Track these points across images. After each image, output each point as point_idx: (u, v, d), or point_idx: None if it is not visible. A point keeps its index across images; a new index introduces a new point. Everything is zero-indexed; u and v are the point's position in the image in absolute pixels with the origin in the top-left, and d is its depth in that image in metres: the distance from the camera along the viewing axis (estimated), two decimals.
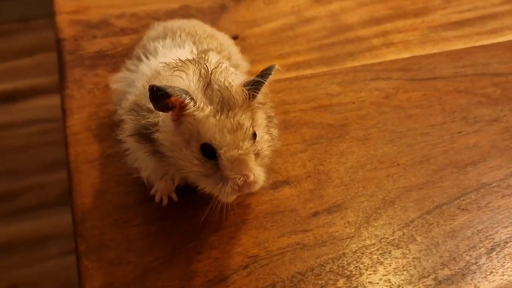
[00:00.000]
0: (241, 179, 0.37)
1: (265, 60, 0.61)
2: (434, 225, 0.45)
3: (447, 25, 0.68)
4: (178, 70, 0.39)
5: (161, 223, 0.44)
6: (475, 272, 0.42)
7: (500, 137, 0.53)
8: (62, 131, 0.53)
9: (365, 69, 0.61)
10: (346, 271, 0.42)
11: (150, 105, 0.38)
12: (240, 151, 0.36)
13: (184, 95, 0.36)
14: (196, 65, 0.39)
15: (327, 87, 0.58)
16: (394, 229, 0.45)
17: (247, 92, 0.38)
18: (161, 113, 0.38)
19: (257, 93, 0.38)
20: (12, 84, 1.43)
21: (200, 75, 0.38)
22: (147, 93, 0.36)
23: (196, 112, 0.36)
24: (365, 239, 0.44)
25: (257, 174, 0.38)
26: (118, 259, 0.42)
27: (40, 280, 1.05)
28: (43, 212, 1.15)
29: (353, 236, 0.44)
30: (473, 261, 0.43)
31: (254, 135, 0.38)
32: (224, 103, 0.37)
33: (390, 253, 0.43)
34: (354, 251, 0.43)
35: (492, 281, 0.41)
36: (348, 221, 0.45)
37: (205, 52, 0.46)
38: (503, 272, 0.42)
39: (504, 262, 0.43)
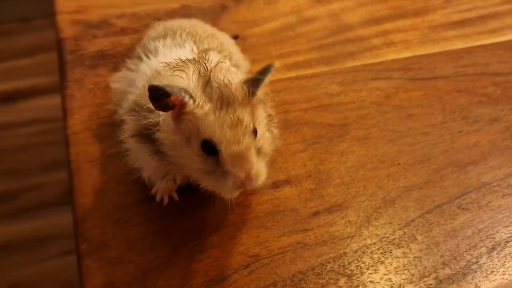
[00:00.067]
0: (243, 173, 0.36)
1: (265, 60, 0.61)
2: (434, 225, 0.45)
3: (448, 25, 0.68)
4: (178, 70, 0.39)
5: (162, 223, 0.44)
6: (476, 272, 0.42)
7: (501, 137, 0.53)
8: (62, 131, 0.53)
9: (366, 69, 0.61)
10: (347, 270, 0.42)
11: (151, 105, 0.38)
12: (240, 146, 0.36)
13: (183, 93, 0.36)
14: (196, 65, 0.40)
15: (328, 87, 0.58)
16: (394, 229, 0.45)
17: (246, 89, 0.38)
18: (161, 112, 0.38)
19: (257, 90, 0.38)
20: (12, 84, 1.43)
21: (199, 74, 0.38)
22: (147, 93, 0.36)
23: (196, 110, 0.37)
24: (365, 239, 0.44)
25: (259, 169, 0.37)
26: (119, 259, 0.42)
27: (40, 280, 1.05)
28: (43, 212, 1.15)
29: (353, 236, 0.44)
30: (474, 260, 0.43)
31: (255, 132, 0.38)
32: (223, 100, 0.37)
33: (391, 252, 0.43)
34: (355, 250, 0.43)
35: (493, 280, 0.41)
36: (349, 221, 0.45)
37: (206, 51, 0.46)
38: (503, 271, 0.42)
39: (505, 261, 0.43)
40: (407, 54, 0.63)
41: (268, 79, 0.39)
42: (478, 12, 0.70)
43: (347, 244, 0.43)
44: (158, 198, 0.46)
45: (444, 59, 0.63)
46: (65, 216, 1.08)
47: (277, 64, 0.39)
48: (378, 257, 0.43)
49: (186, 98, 0.36)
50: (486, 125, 0.54)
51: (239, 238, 0.43)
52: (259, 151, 0.38)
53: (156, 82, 0.37)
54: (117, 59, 0.60)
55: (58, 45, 0.63)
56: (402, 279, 0.41)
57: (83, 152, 0.50)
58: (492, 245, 0.44)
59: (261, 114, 0.40)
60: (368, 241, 0.44)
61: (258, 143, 0.38)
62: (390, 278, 0.41)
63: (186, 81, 0.38)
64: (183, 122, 0.37)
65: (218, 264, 0.42)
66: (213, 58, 0.43)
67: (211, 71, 0.38)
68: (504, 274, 0.42)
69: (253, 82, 0.38)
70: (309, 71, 0.60)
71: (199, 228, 0.44)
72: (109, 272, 0.41)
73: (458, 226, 0.45)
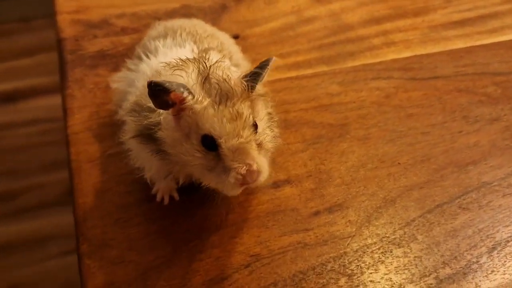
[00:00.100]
0: (244, 168, 0.36)
1: None
2: (435, 224, 0.45)
3: (448, 25, 0.68)
4: (178, 69, 0.39)
5: (162, 222, 0.45)
6: (476, 271, 0.42)
7: (501, 136, 0.53)
8: (63, 131, 0.53)
9: (366, 69, 0.61)
10: (347, 270, 0.42)
11: (151, 105, 0.38)
12: (240, 140, 0.36)
13: (182, 89, 0.36)
14: (196, 63, 0.40)
15: (328, 87, 0.58)
16: (395, 228, 0.45)
17: (245, 84, 0.38)
18: (162, 111, 0.38)
19: (256, 84, 0.38)
20: (12, 84, 1.43)
21: (199, 72, 0.38)
22: (147, 92, 0.36)
23: (195, 105, 0.37)
24: (366, 238, 0.44)
25: (261, 163, 0.37)
26: (120, 258, 0.42)
27: (40, 280, 1.05)
28: (43, 212, 1.15)
29: (354, 235, 0.44)
30: (474, 260, 0.43)
31: (255, 126, 0.38)
32: (222, 95, 0.37)
33: (391, 252, 0.43)
34: (355, 250, 0.43)
35: (493, 280, 0.41)
36: (349, 220, 0.45)
37: (206, 51, 0.46)
38: (504, 271, 0.42)
39: (505, 261, 0.43)
40: (407, 54, 0.63)
41: (266, 73, 0.39)
42: (479, 11, 0.70)
43: (348, 244, 0.43)
44: (158, 198, 0.46)
45: (444, 58, 0.63)
46: (65, 216, 1.08)
47: (276, 59, 0.39)
48: (379, 256, 0.43)
49: (185, 94, 0.36)
50: (486, 125, 0.54)
51: (239, 238, 0.43)
52: (260, 146, 0.38)
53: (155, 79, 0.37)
54: (117, 59, 0.60)
55: (59, 45, 0.63)
56: (403, 279, 0.41)
57: (83, 152, 0.50)
58: (493, 245, 0.44)
59: (262, 109, 0.40)
60: (369, 241, 0.44)
61: (258, 137, 0.38)
62: (391, 278, 0.41)
63: (186, 79, 0.38)
64: (182, 118, 0.37)
65: (218, 263, 0.42)
66: (213, 57, 0.43)
67: (210, 67, 0.38)
68: (504, 274, 0.42)
69: (252, 76, 0.38)
70: (309, 71, 0.61)
71: (200, 228, 0.44)
72: (109, 272, 0.41)
73: (458, 226, 0.45)
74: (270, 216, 0.45)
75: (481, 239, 0.44)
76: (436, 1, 0.72)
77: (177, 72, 0.39)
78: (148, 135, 0.39)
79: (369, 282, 0.41)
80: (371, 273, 0.42)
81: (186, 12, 0.68)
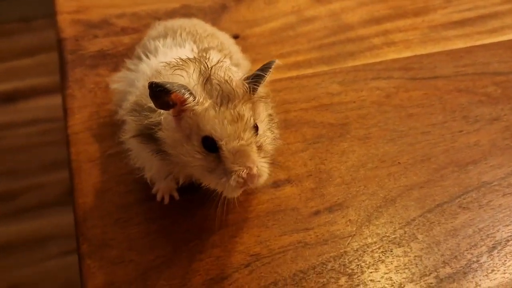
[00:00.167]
0: (244, 171, 0.36)
1: (266, 60, 0.58)
2: (435, 224, 0.45)
3: (448, 25, 0.68)
4: (178, 69, 0.39)
5: (162, 222, 0.45)
6: (476, 270, 0.42)
7: (501, 136, 0.53)
8: (63, 131, 0.53)
9: (366, 68, 0.61)
10: (347, 269, 0.42)
11: (152, 104, 0.38)
12: (241, 142, 0.36)
13: (183, 90, 0.36)
14: (197, 63, 0.40)
15: (328, 86, 0.58)
16: (395, 228, 0.45)
17: (247, 86, 0.38)
18: (162, 111, 0.38)
19: (258, 86, 0.38)
20: (12, 84, 1.43)
21: (200, 72, 0.38)
22: (148, 92, 0.36)
23: (196, 107, 0.36)
24: (366, 238, 0.44)
25: (261, 167, 0.37)
26: (120, 258, 0.42)
27: (40, 280, 1.05)
28: (43, 212, 1.15)
29: (354, 235, 0.44)
30: (474, 259, 0.43)
31: (256, 128, 0.38)
32: (223, 97, 0.37)
33: (391, 251, 0.43)
34: (355, 249, 0.43)
35: (494, 279, 0.41)
36: (350, 220, 0.45)
37: (206, 50, 0.46)
38: (504, 270, 0.42)
39: (505, 260, 0.43)
40: (407, 53, 0.63)
41: (269, 75, 0.39)
42: (478, 11, 0.70)
43: (348, 243, 0.43)
44: (158, 197, 0.46)
45: (444, 58, 0.63)
46: (65, 216, 1.08)
47: (279, 61, 0.39)
48: (379, 256, 0.43)
49: (186, 95, 0.36)
50: (486, 124, 0.54)
51: (239, 237, 0.43)
52: (260, 148, 0.38)
53: (156, 80, 0.37)
54: (117, 59, 0.60)
55: (59, 45, 0.63)
56: (403, 278, 0.41)
57: (83, 152, 0.50)
58: (493, 244, 0.44)
59: (262, 111, 0.40)
60: (369, 240, 0.44)
61: (259, 139, 0.38)
62: (391, 277, 0.41)
63: (187, 79, 0.38)
64: (183, 119, 0.37)
65: (218, 263, 0.42)
66: (214, 57, 0.43)
67: (211, 68, 0.38)
68: (504, 273, 0.42)
69: (254, 79, 0.38)
70: (309, 71, 0.61)
71: (200, 228, 0.44)
72: (109, 272, 0.41)
73: (458, 225, 0.45)
74: (270, 216, 0.45)
75: (481, 239, 0.44)
76: (436, 1, 0.73)
77: (178, 72, 0.39)
78: (148, 135, 0.39)
79: (369, 281, 0.41)
80: (371, 272, 0.42)
81: (186, 12, 0.68)
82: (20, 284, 1.04)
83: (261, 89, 0.39)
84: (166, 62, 0.41)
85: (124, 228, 0.44)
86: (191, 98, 0.36)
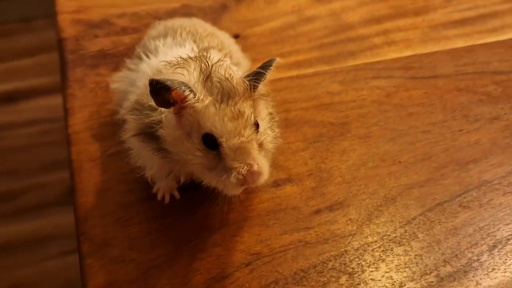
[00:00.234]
0: (245, 168, 0.36)
1: (266, 59, 0.59)
2: (435, 223, 0.45)
3: (448, 24, 0.68)
4: (179, 67, 0.39)
5: (163, 221, 0.45)
6: (477, 269, 0.42)
7: (501, 135, 0.53)
8: (63, 131, 0.53)
9: (366, 68, 0.61)
10: (348, 268, 0.42)
11: (152, 103, 0.38)
12: (242, 139, 0.36)
13: (183, 87, 0.36)
14: (197, 62, 0.40)
15: (328, 86, 0.58)
16: (396, 227, 0.45)
17: (248, 83, 0.38)
18: (163, 109, 0.38)
19: (258, 83, 0.38)
20: (12, 84, 1.43)
21: (200, 70, 0.38)
22: (149, 91, 0.36)
23: (196, 104, 0.37)
24: (367, 237, 0.44)
25: (261, 164, 0.37)
26: (121, 257, 0.42)
27: (40, 280, 1.05)
28: (44, 212, 1.15)
29: (355, 234, 0.44)
30: (475, 258, 0.43)
31: (257, 125, 0.38)
32: (224, 94, 0.37)
33: (392, 250, 0.43)
34: (356, 248, 0.43)
35: (494, 278, 0.41)
36: (350, 219, 0.45)
37: (207, 50, 0.46)
38: (505, 269, 0.42)
39: (506, 259, 0.43)
40: (407, 53, 0.63)
41: (269, 73, 0.39)
42: (479, 11, 0.70)
43: (348, 242, 0.44)
44: (159, 196, 0.46)
45: (444, 58, 0.63)
46: (66, 216, 1.08)
47: (279, 59, 0.39)
48: (379, 255, 0.43)
49: (187, 92, 0.36)
50: (486, 123, 0.54)
51: (240, 236, 0.43)
52: (261, 146, 0.38)
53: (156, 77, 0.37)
54: (118, 58, 0.60)
55: (59, 44, 0.63)
56: (403, 277, 0.41)
57: (84, 151, 0.50)
58: (493, 243, 0.44)
59: (263, 109, 0.40)
60: (369, 239, 0.44)
61: (259, 137, 0.38)
62: (391, 276, 0.41)
63: (187, 77, 0.38)
64: (183, 116, 0.37)
65: (219, 262, 0.42)
66: (214, 56, 0.43)
67: (212, 66, 0.38)
68: (505, 272, 0.42)
69: (255, 76, 0.38)
70: (310, 70, 0.61)
71: (201, 227, 0.44)
72: (111, 271, 0.41)
73: (459, 224, 0.45)
74: (271, 215, 0.45)
75: (482, 237, 0.44)
76: (436, 1, 0.73)
77: (179, 70, 0.39)
78: (149, 134, 0.39)
79: (370, 280, 0.41)
80: (372, 271, 0.42)
81: (186, 12, 0.68)
82: (20, 284, 1.04)
83: (262, 87, 0.39)
84: (166, 61, 0.41)
85: (125, 227, 0.44)
86: (191, 95, 0.36)
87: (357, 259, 0.42)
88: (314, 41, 0.65)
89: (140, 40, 0.56)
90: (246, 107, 0.37)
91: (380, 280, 0.41)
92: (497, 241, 0.44)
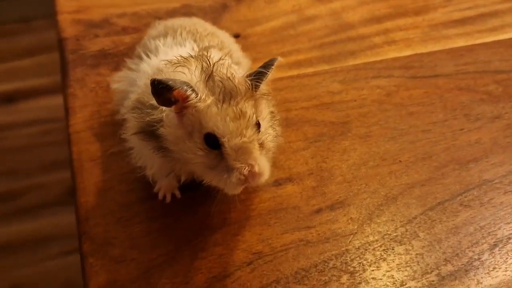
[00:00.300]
0: (246, 168, 0.36)
1: (266, 59, 0.58)
2: (436, 222, 0.45)
3: (448, 23, 0.68)
4: (180, 66, 0.39)
5: (164, 220, 0.45)
6: (478, 268, 0.42)
7: (502, 134, 0.53)
8: (63, 131, 0.53)
9: (367, 67, 0.61)
10: (349, 267, 0.42)
11: (153, 102, 0.38)
12: (243, 139, 0.36)
13: (185, 87, 0.36)
14: (199, 61, 0.40)
15: (329, 85, 0.59)
16: (397, 226, 0.45)
17: (249, 82, 0.38)
18: (164, 108, 0.38)
19: (260, 83, 0.38)
20: (13, 84, 1.43)
21: (202, 69, 0.38)
22: (150, 90, 0.36)
23: (198, 103, 0.37)
24: (368, 236, 0.44)
25: (263, 165, 0.37)
26: (122, 257, 0.42)
27: (40, 280, 1.05)
28: (44, 212, 1.15)
29: (356, 233, 0.44)
30: (476, 257, 0.43)
31: (258, 125, 0.38)
32: (226, 93, 0.37)
33: (393, 249, 0.43)
34: (357, 247, 0.43)
35: (495, 276, 0.41)
36: (351, 218, 0.45)
37: (207, 49, 0.46)
38: (506, 268, 0.42)
39: (507, 258, 0.43)
40: (408, 52, 0.63)
41: (271, 73, 0.39)
42: (479, 10, 0.70)
43: (350, 241, 0.44)
44: (160, 196, 0.46)
45: (445, 57, 0.63)
46: (66, 216, 1.08)
47: (281, 59, 0.39)
48: (380, 254, 0.43)
49: (189, 92, 0.36)
50: (487, 122, 0.54)
51: (241, 236, 0.44)
52: (262, 145, 0.38)
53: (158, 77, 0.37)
54: (118, 58, 0.60)
55: (60, 44, 0.63)
56: (405, 276, 0.41)
57: (85, 151, 0.50)
58: (494, 242, 0.44)
59: (264, 109, 0.40)
60: (370, 238, 0.44)
61: (261, 137, 0.38)
62: (393, 275, 0.41)
63: (189, 76, 0.38)
64: (185, 116, 0.37)
65: (221, 261, 0.42)
66: (215, 55, 0.43)
67: (213, 65, 0.38)
68: (506, 271, 0.42)
69: (256, 76, 0.38)
70: (310, 70, 0.61)
71: (202, 226, 0.44)
72: (112, 270, 0.41)
73: (460, 223, 0.45)
74: (272, 214, 0.45)
75: (483, 236, 0.44)
76: (436, 0, 0.73)
77: (180, 69, 0.39)
78: (150, 132, 0.39)
79: (371, 279, 0.41)
80: (373, 270, 0.42)
81: (186, 12, 0.68)
82: (20, 284, 1.04)
83: (263, 87, 0.39)
84: (167, 60, 0.41)
85: (126, 227, 0.44)
86: (193, 95, 0.36)
87: (358, 258, 0.42)
88: (314, 40, 0.65)
89: (140, 40, 0.55)
90: (248, 107, 0.37)
91: (381, 279, 0.41)
92: (498, 240, 0.44)
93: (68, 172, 0.49)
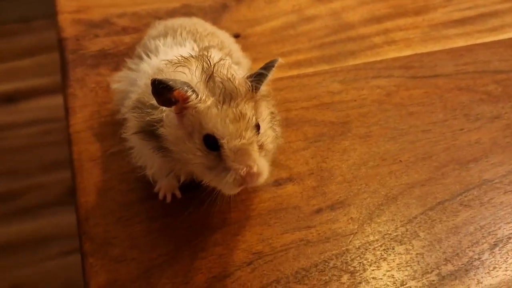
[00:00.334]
0: (244, 169, 0.36)
1: (266, 59, 0.59)
2: (437, 221, 0.45)
3: (448, 23, 0.68)
4: (180, 66, 0.39)
5: (165, 220, 0.45)
6: (478, 268, 0.42)
7: (502, 134, 0.53)
8: (63, 131, 0.53)
9: (367, 67, 0.61)
10: (349, 267, 0.42)
11: (154, 102, 0.38)
12: (243, 141, 0.36)
13: (185, 88, 0.36)
14: (199, 61, 0.40)
15: (329, 85, 0.59)
16: (397, 225, 0.45)
17: (250, 84, 0.38)
18: (164, 108, 0.38)
19: (260, 85, 0.38)
20: (13, 84, 1.43)
21: (202, 69, 0.38)
22: (150, 90, 0.36)
23: (198, 104, 0.37)
24: (368, 235, 0.44)
25: (261, 166, 0.37)
26: (122, 256, 0.42)
27: (40, 280, 1.05)
28: (44, 212, 1.15)
29: (356, 233, 0.44)
30: (476, 256, 0.43)
31: (258, 127, 0.38)
32: (226, 95, 0.37)
33: (393, 249, 0.43)
34: (357, 247, 0.43)
35: (495, 276, 0.42)
36: (351, 218, 0.45)
37: (207, 49, 0.46)
38: (506, 267, 0.42)
39: (507, 258, 0.43)
40: (408, 52, 0.63)
41: (271, 74, 0.39)
42: (479, 10, 0.70)
43: (350, 241, 0.44)
44: (160, 196, 0.46)
45: (445, 57, 0.63)
46: (66, 216, 1.08)
47: (281, 60, 0.39)
48: (381, 253, 0.43)
49: (189, 92, 0.36)
50: (487, 122, 0.54)
51: (242, 236, 0.44)
52: (261, 147, 0.38)
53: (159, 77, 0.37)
54: (118, 58, 0.60)
55: (60, 44, 0.63)
56: (405, 276, 0.41)
57: (85, 151, 0.50)
58: (494, 242, 0.44)
59: (264, 110, 0.40)
60: (371, 238, 0.44)
61: (260, 138, 0.38)
62: (393, 275, 0.41)
63: (189, 76, 0.38)
64: (185, 116, 0.37)
65: (221, 261, 0.42)
66: (215, 55, 0.43)
67: (214, 65, 0.38)
68: (506, 270, 0.42)
69: (257, 77, 0.38)
70: (310, 70, 0.61)
71: (202, 226, 0.44)
72: (112, 270, 0.41)
73: (460, 223, 0.45)
74: (272, 214, 0.45)
75: (483, 236, 0.44)
76: (436, 0, 0.73)
77: (180, 69, 0.39)
78: (150, 132, 0.39)
79: (371, 279, 0.41)
80: (373, 270, 0.42)
81: (186, 12, 0.68)
82: (20, 284, 1.04)
83: (264, 88, 0.39)
84: (168, 60, 0.41)
85: (127, 227, 0.44)
86: (193, 96, 0.36)
87: (358, 258, 0.42)
88: (314, 40, 0.65)
89: (140, 40, 0.55)
90: (247, 109, 0.37)
91: (381, 278, 0.41)
92: (498, 239, 0.44)
93: (68, 172, 0.49)
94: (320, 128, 0.53)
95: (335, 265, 0.42)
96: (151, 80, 0.35)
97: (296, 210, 0.46)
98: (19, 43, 1.54)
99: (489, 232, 0.45)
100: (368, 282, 0.41)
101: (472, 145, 0.52)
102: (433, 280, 0.41)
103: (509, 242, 0.44)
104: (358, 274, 0.41)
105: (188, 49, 0.47)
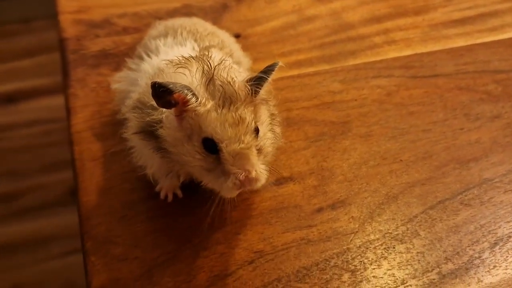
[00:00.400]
0: (243, 174, 0.36)
1: (267, 58, 0.61)
2: (437, 220, 0.45)
3: (448, 23, 0.68)
4: (181, 67, 0.39)
5: (166, 220, 0.45)
6: (478, 266, 0.42)
7: (502, 133, 0.53)
8: (64, 132, 0.53)
9: (367, 67, 0.61)
10: (350, 265, 0.42)
11: (154, 102, 0.38)
12: (241, 145, 0.36)
13: (186, 91, 0.36)
14: (200, 62, 0.40)
15: (329, 85, 0.59)
16: (397, 224, 0.45)
17: (249, 88, 0.38)
18: (164, 109, 0.39)
19: (260, 88, 0.38)
20: (13, 85, 1.43)
21: (203, 72, 0.38)
22: (150, 90, 0.36)
23: (198, 107, 0.37)
24: (369, 234, 0.44)
25: (259, 170, 0.37)
26: (124, 255, 0.42)
27: (41, 280, 1.05)
28: (45, 212, 1.15)
29: (357, 231, 0.44)
30: (476, 255, 0.43)
31: (257, 131, 0.38)
32: (226, 98, 0.37)
33: (394, 248, 0.43)
34: (358, 246, 0.43)
35: (496, 275, 0.42)
36: (352, 217, 0.45)
37: (208, 48, 0.47)
38: (506, 266, 0.42)
39: (507, 256, 0.43)
40: (408, 52, 0.64)
41: (271, 78, 0.39)
42: (479, 10, 0.71)
43: (351, 240, 0.44)
44: (162, 195, 0.46)
45: (445, 57, 0.63)
46: (67, 216, 1.08)
47: (281, 63, 0.39)
48: (382, 252, 0.43)
49: (189, 96, 0.36)
50: (487, 122, 0.55)
51: (243, 234, 0.44)
52: (260, 151, 0.38)
53: (159, 80, 0.37)
54: (119, 58, 0.60)
55: (61, 44, 0.63)
56: (406, 274, 0.42)
57: (86, 151, 0.50)
58: (495, 240, 0.44)
59: (264, 113, 0.40)
60: (372, 237, 0.44)
61: (259, 142, 0.38)
62: (394, 273, 0.42)
63: (190, 78, 0.38)
64: (185, 119, 0.38)
65: (223, 260, 0.42)
66: (215, 55, 0.43)
67: (214, 68, 0.38)
68: (506, 269, 0.42)
69: (257, 81, 0.38)
70: (310, 69, 0.61)
71: (204, 225, 0.44)
72: (114, 269, 0.41)
73: (460, 222, 0.45)
74: (274, 213, 0.45)
75: (483, 235, 0.44)
76: (436, 0, 0.73)
77: (180, 70, 0.39)
78: (149, 132, 0.39)
79: (372, 278, 0.41)
80: (374, 268, 0.42)
81: (187, 12, 0.68)
82: (21, 284, 1.05)
83: (263, 91, 0.39)
84: (168, 60, 0.42)
85: (128, 226, 0.44)
86: (193, 99, 0.36)
87: (359, 256, 0.43)
88: (314, 40, 0.65)
89: (141, 40, 0.56)
90: (247, 113, 0.37)
91: (382, 277, 0.41)
92: (498, 238, 0.44)
93: (68, 172, 0.49)
94: (320, 127, 0.53)
95: (336, 264, 0.42)
96: (151, 82, 0.35)
97: (297, 209, 0.46)
98: (19, 43, 1.54)
99: (489, 231, 0.45)
100: (369, 281, 0.41)
101: (472, 145, 0.52)
102: (434, 279, 0.41)
103: (509, 241, 0.44)
104: (359, 273, 0.42)
105: (188, 49, 0.47)
